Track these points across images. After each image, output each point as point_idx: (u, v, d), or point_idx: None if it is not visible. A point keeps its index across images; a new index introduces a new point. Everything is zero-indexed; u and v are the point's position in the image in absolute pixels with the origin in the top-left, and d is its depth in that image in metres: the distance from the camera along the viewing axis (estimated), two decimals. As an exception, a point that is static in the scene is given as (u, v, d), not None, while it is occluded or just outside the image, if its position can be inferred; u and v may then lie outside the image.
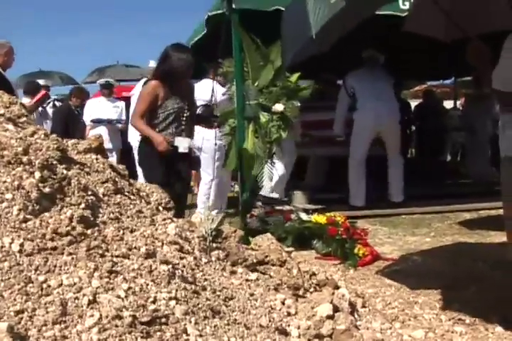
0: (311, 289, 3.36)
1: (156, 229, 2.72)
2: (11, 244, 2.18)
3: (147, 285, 2.27)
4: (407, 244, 5.85)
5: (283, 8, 5.84)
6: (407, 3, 5.80)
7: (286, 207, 6.59)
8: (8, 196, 2.32)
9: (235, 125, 6.02)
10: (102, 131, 8.60)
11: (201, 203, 7.10)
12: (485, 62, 3.42)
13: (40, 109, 9.04)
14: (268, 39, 5.79)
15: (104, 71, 15.17)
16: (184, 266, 2.56)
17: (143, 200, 3.09)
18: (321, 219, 5.77)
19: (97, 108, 9.25)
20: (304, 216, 5.96)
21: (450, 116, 10.85)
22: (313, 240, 5.67)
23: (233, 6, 5.70)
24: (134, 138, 7.76)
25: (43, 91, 7.71)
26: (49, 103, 9.29)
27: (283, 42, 4.67)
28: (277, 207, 6.59)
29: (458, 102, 12.46)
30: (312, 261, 5.23)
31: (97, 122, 9.18)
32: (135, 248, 2.45)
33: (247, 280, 2.93)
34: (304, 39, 3.99)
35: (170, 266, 2.41)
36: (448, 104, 12.58)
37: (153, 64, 7.89)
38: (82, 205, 2.47)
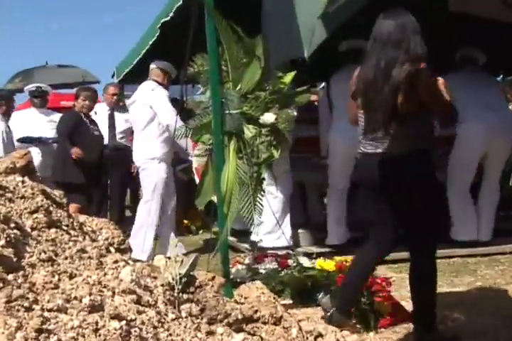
0: (318, 356, 3.29)
1: (105, 274, 2.64)
2: None
3: (92, 348, 2.19)
4: (445, 298, 5.75)
5: (271, -13, 5.87)
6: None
7: (281, 250, 6.53)
8: None
9: (211, 142, 5.96)
10: (33, 154, 8.45)
11: None
12: None
13: None
14: (253, 28, 5.76)
15: (30, 74, 15.10)
16: (143, 323, 2.48)
17: (87, 237, 3.02)
18: (328, 265, 5.70)
19: (26, 123, 9.17)
20: (305, 261, 5.88)
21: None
22: (318, 293, 5.59)
23: (206, -15, 5.69)
24: (143, 156, 7.69)
25: None
26: None
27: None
28: (270, 251, 6.53)
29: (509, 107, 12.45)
30: (317, 320, 5.14)
31: (26, 142, 9.07)
32: (75, 298, 2.37)
33: (229, 342, 2.86)
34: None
35: (123, 323, 2.33)
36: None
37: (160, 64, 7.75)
38: (1, 242, 2.40)
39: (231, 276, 5.70)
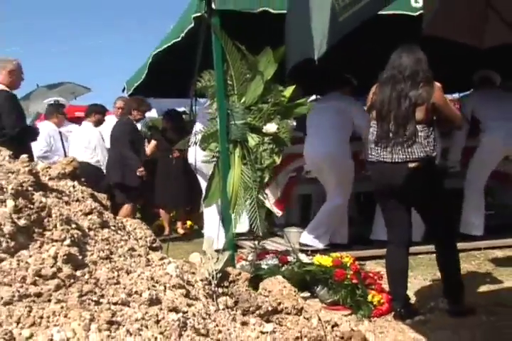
0: (336, 343, 3.26)
1: (155, 271, 2.60)
2: (-16, 290, 2.04)
3: (155, 338, 2.15)
4: (428, 289, 5.76)
5: (272, 10, 5.84)
6: (420, 1, 5.82)
7: (281, 248, 6.48)
8: (-23, 230, 2.19)
9: (218, 150, 5.93)
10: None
11: None
12: None
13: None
14: (255, 46, 5.76)
15: (27, 100, 14.61)
16: (194, 315, 2.43)
17: (131, 236, 2.97)
18: (325, 261, 5.67)
19: (46, 133, 9.06)
20: (304, 258, 5.85)
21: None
22: (316, 286, 5.57)
23: (213, 7, 5.66)
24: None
25: None
26: None
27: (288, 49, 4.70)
28: (271, 248, 6.48)
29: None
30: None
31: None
32: (136, 293, 2.32)
33: (261, 332, 2.82)
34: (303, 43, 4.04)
35: (180, 315, 2.29)
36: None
37: None
38: (67, 241, 2.35)
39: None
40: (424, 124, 4.79)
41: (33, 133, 6.87)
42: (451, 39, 5.15)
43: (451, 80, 9.25)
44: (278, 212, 7.80)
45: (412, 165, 4.76)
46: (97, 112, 9.17)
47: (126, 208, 8.66)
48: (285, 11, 4.94)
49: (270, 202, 7.42)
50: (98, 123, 9.18)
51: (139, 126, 9.65)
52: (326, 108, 7.25)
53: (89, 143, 8.85)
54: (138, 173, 8.52)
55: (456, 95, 13.01)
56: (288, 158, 7.44)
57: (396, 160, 4.81)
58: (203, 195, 6.62)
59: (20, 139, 6.39)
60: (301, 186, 8.08)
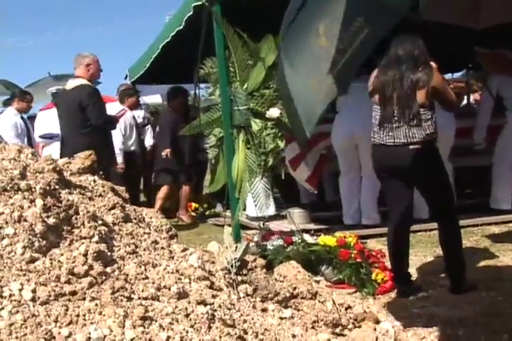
0: (350, 325, 3.27)
1: (180, 263, 2.58)
2: (20, 290, 2.02)
3: (187, 332, 2.13)
4: (429, 266, 5.77)
5: (271, -4, 5.80)
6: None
7: (285, 228, 6.47)
8: (9, 231, 2.16)
9: (222, 135, 5.91)
10: (55, 147, 8.29)
11: None
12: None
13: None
14: (256, 33, 5.71)
15: (34, 87, 14.49)
16: (220, 306, 2.42)
17: (151, 228, 2.95)
18: (330, 240, 5.66)
19: (49, 121, 9.00)
20: (308, 238, 5.84)
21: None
22: (321, 266, 5.57)
23: (214, -5, 5.61)
24: None
25: None
26: None
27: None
28: (276, 229, 6.47)
29: (472, 97, 12.41)
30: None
31: (48, 138, 8.95)
32: (164, 287, 2.31)
33: (280, 318, 2.82)
34: None
35: (208, 308, 2.28)
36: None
37: None
38: (95, 238, 2.33)
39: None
40: (425, 108, 4.73)
41: (113, 122, 7.12)
42: (448, 22, 5.13)
43: (446, 61, 9.27)
44: (311, 189, 7.81)
45: (412, 147, 4.76)
46: (129, 95, 9.17)
47: (167, 188, 8.87)
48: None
49: (303, 179, 7.45)
50: (133, 106, 9.23)
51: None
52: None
53: None
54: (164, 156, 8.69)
55: (449, 75, 13.00)
56: (319, 136, 7.41)
57: (397, 143, 4.80)
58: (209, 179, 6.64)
59: (102, 129, 6.71)
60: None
